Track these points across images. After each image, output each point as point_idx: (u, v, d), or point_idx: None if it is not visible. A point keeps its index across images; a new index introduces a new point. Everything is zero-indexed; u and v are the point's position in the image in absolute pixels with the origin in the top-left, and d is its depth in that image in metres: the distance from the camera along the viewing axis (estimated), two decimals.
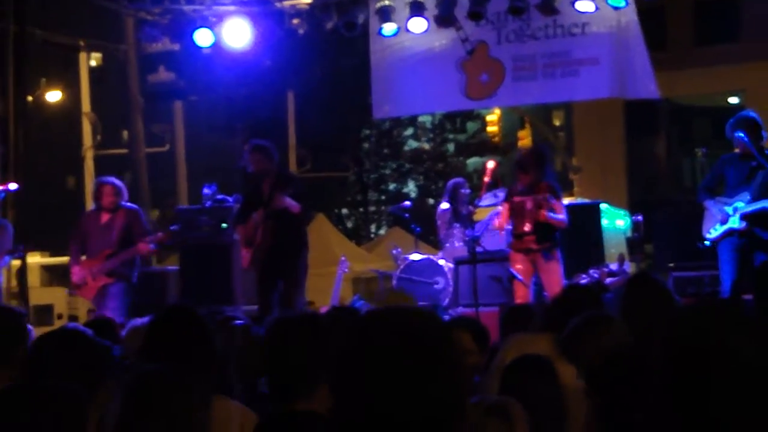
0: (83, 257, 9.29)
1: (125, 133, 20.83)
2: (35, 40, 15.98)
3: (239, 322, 4.93)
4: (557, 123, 31.43)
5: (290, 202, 8.57)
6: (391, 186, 33.92)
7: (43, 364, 3.23)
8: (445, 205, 10.92)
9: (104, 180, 9.50)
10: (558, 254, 8.74)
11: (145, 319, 5.26)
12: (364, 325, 1.97)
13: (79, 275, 9.19)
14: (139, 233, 9.21)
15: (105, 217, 9.23)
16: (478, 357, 4.13)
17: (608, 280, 9.53)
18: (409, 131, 34.26)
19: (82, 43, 19.06)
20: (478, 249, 9.10)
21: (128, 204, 9.50)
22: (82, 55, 19.64)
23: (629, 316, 3.93)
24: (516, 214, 8.74)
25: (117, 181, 9.46)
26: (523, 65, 10.99)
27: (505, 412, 2.86)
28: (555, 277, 8.64)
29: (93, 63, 20.82)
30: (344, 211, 33.46)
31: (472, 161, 34.54)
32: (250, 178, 9.06)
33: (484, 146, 33.45)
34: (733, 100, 22.33)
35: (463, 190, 10.87)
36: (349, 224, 33.23)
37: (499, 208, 9.11)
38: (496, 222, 9.13)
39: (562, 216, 8.69)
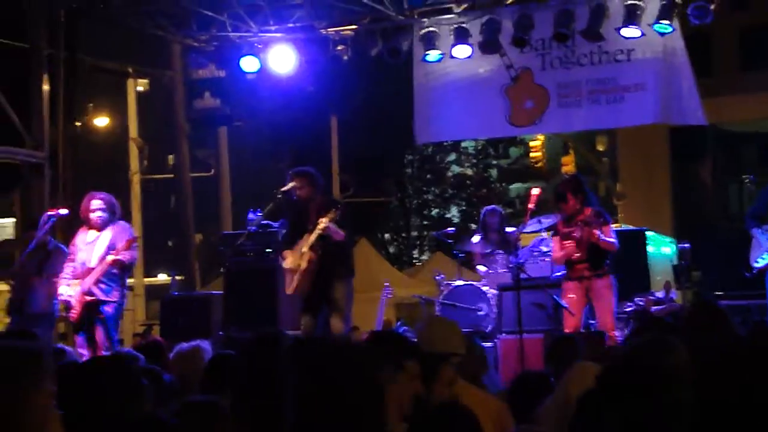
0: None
1: (171, 158, 21.04)
2: (85, 67, 16.21)
3: None
4: (601, 148, 31.28)
5: (334, 229, 8.60)
6: (434, 211, 33.92)
7: (95, 392, 3.23)
8: (476, 238, 10.92)
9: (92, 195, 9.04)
10: (612, 281, 8.60)
11: (192, 344, 5.29)
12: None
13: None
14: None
15: (93, 234, 8.88)
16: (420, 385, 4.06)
17: (654, 308, 9.44)
18: (452, 157, 34.30)
19: (130, 70, 19.32)
20: (522, 275, 9.04)
21: (119, 221, 9.09)
22: (130, 82, 19.93)
23: (691, 342, 3.89)
24: (578, 243, 8.64)
25: (106, 196, 9.05)
26: (568, 92, 10.96)
27: None
28: (607, 305, 8.52)
29: (140, 89, 21.07)
30: (386, 236, 33.49)
31: (515, 187, 34.47)
32: (296, 203, 9.09)
33: (527, 172, 33.39)
34: None
35: (493, 218, 10.82)
36: (392, 249, 33.25)
37: (545, 234, 9.06)
38: (558, 254, 8.96)
39: (612, 239, 8.59)
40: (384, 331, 4.98)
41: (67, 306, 8.85)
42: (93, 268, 8.74)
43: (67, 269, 8.93)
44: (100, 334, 8.74)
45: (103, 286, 8.78)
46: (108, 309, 8.80)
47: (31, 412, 2.77)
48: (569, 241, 8.62)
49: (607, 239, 8.55)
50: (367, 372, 3.21)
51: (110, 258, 8.68)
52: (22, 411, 2.76)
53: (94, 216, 8.86)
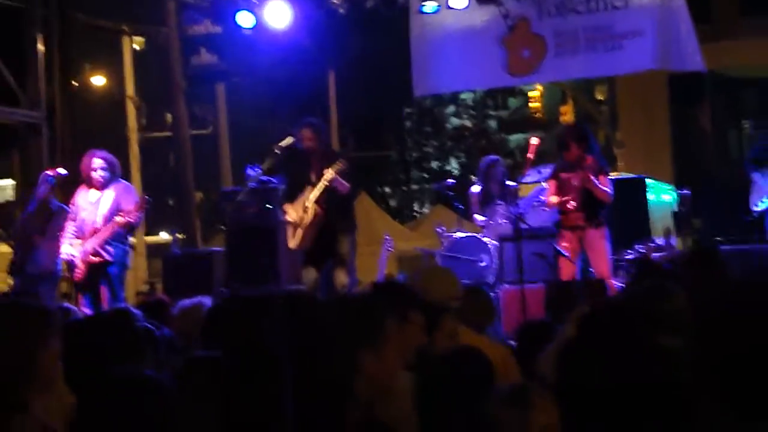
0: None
1: (169, 116, 20.97)
2: (79, 26, 16.09)
3: None
4: (600, 97, 31.14)
5: (340, 181, 8.58)
6: (434, 164, 33.90)
7: (85, 347, 3.24)
8: (476, 188, 10.91)
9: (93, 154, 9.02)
10: (605, 232, 8.69)
11: (194, 300, 5.31)
12: None
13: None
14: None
15: (95, 194, 8.89)
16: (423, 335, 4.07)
17: (654, 255, 9.46)
18: (451, 109, 34.19)
19: (124, 28, 19.19)
20: (523, 226, 9.06)
21: (121, 180, 9.14)
22: (125, 40, 19.80)
23: (689, 289, 3.92)
24: (563, 191, 8.69)
25: (107, 155, 9.04)
26: (566, 40, 10.90)
27: (524, 400, 2.79)
28: (601, 255, 8.61)
29: (136, 47, 20.93)
30: (387, 189, 33.50)
31: (515, 137, 34.41)
32: (296, 157, 9.07)
33: (526, 122, 33.33)
34: None
35: (495, 169, 10.81)
36: (392, 203, 33.27)
37: (544, 184, 9.07)
38: (548, 200, 9.04)
39: (608, 189, 8.62)
40: (386, 281, 4.99)
41: (71, 265, 8.86)
42: (98, 228, 8.75)
43: (69, 228, 8.93)
44: (105, 293, 8.77)
45: (108, 246, 8.79)
46: (113, 269, 8.83)
47: (38, 370, 2.80)
48: (568, 196, 8.64)
49: (603, 188, 8.58)
50: (363, 323, 3.25)
51: (120, 219, 8.67)
52: (29, 368, 2.78)
53: (96, 175, 8.85)
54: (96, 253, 8.76)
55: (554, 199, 8.87)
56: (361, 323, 3.26)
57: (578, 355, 2.44)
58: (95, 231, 8.78)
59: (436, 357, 2.87)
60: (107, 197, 8.88)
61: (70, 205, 9.09)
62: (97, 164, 8.88)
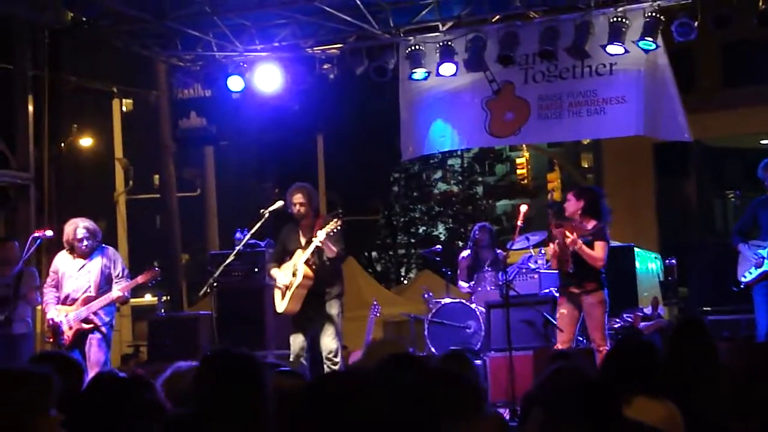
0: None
1: (157, 178, 21.00)
2: (69, 87, 16.17)
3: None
4: (586, 165, 31.37)
5: (328, 244, 8.55)
6: (421, 229, 33.95)
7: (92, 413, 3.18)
8: (465, 253, 10.93)
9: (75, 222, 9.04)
10: (602, 297, 8.52)
11: (188, 363, 5.24)
12: None
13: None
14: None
15: (80, 261, 8.91)
16: None
17: (642, 324, 9.45)
18: (438, 174, 34.36)
19: (114, 90, 19.30)
20: (511, 293, 9.04)
21: (105, 246, 9.16)
22: (115, 102, 19.90)
23: (676, 360, 3.92)
24: (561, 253, 8.61)
25: (89, 224, 9.06)
26: (549, 104, 10.98)
27: None
28: (594, 321, 8.46)
29: (125, 109, 21.04)
30: (373, 254, 33.47)
31: (501, 204, 34.54)
32: (285, 221, 9.06)
33: (512, 189, 33.48)
34: (765, 141, 22.22)
35: (480, 236, 10.86)
36: (378, 267, 33.22)
37: (533, 251, 9.05)
38: (549, 258, 8.94)
39: (596, 254, 8.49)
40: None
41: (57, 331, 8.84)
42: (92, 297, 8.80)
43: (50, 294, 8.96)
44: (94, 358, 8.75)
45: (100, 311, 8.82)
46: (103, 329, 8.84)
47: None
48: (552, 245, 8.63)
49: (587, 251, 8.45)
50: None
51: (116, 294, 8.80)
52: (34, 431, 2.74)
53: (81, 245, 8.91)
54: (88, 320, 8.80)
55: (550, 251, 8.81)
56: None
57: None
58: (88, 299, 8.83)
59: None
60: (95, 264, 8.94)
61: (50, 272, 9.11)
62: (81, 234, 8.93)
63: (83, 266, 8.92)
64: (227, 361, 3.36)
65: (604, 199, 8.95)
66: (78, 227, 8.93)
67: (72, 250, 8.98)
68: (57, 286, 8.98)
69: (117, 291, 8.82)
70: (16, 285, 9.31)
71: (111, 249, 9.23)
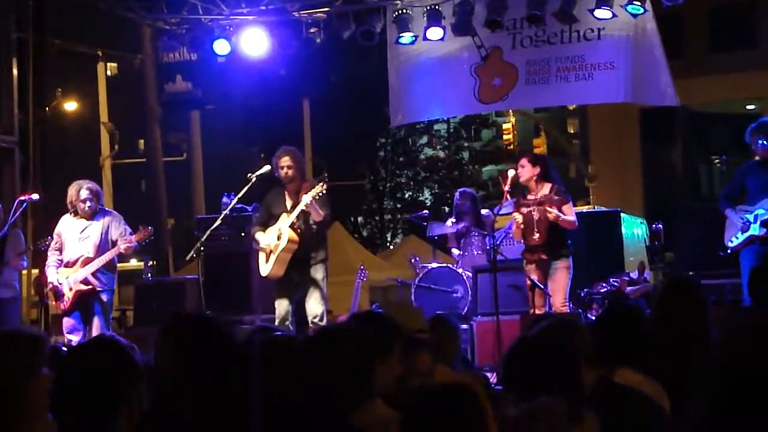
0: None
1: (142, 143, 20.91)
2: (53, 50, 16.05)
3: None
4: (572, 131, 31.38)
5: (315, 207, 8.53)
6: (407, 194, 33.97)
7: (76, 376, 3.17)
8: (449, 222, 10.95)
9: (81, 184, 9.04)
10: (568, 263, 8.58)
11: None
12: None
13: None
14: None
15: (83, 223, 8.87)
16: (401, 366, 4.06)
17: (629, 288, 9.49)
18: (424, 139, 34.32)
19: (99, 53, 19.16)
20: (498, 257, 9.06)
21: (107, 209, 9.21)
22: (100, 65, 19.75)
23: (665, 321, 3.93)
24: (527, 225, 8.67)
25: (93, 185, 9.08)
26: (537, 69, 10.94)
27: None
28: (558, 286, 8.50)
29: (110, 73, 20.90)
30: (360, 219, 33.49)
31: (488, 169, 34.57)
32: (271, 185, 9.04)
33: (498, 154, 33.49)
34: (751, 106, 22.26)
35: (461, 201, 10.89)
36: (365, 232, 33.26)
37: (517, 216, 9.04)
38: (515, 233, 9.04)
39: (571, 217, 8.56)
40: (366, 313, 4.94)
41: (57, 293, 8.84)
42: (90, 258, 8.77)
43: (52, 257, 8.96)
44: (98, 323, 8.75)
45: (99, 274, 8.81)
46: (105, 295, 8.85)
47: (28, 400, 2.75)
48: (533, 230, 8.66)
49: (566, 217, 8.53)
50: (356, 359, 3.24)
51: (124, 246, 8.73)
52: (20, 398, 2.73)
53: (85, 206, 8.88)
54: (87, 282, 8.78)
55: (518, 232, 8.89)
56: (353, 375, 3.26)
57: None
58: (87, 260, 8.81)
59: (425, 393, 2.84)
60: (96, 227, 8.92)
61: (54, 234, 9.09)
62: (84, 195, 8.91)
63: (84, 228, 8.90)
64: (190, 326, 3.37)
65: (552, 166, 9.08)
66: (82, 188, 8.93)
67: (75, 212, 8.96)
68: (60, 249, 8.97)
69: (121, 246, 8.76)
70: (1, 249, 9.29)
71: (113, 212, 9.23)
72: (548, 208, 8.47)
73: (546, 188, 8.70)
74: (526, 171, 8.79)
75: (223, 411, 3.07)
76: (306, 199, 8.42)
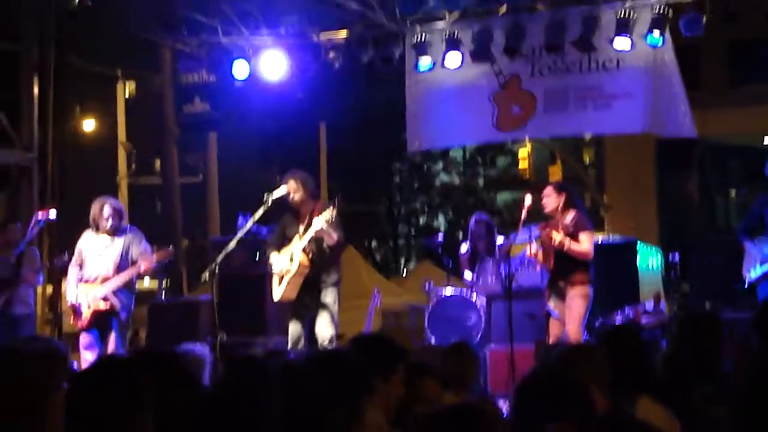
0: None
1: (159, 163, 20.99)
2: (73, 70, 16.14)
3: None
4: (588, 160, 31.32)
5: (328, 232, 8.53)
6: (421, 219, 33.95)
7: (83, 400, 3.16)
8: (464, 246, 10.95)
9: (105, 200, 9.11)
10: (585, 291, 8.50)
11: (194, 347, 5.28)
12: None
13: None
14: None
15: (105, 240, 8.93)
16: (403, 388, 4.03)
17: (644, 319, 9.43)
18: (440, 165, 34.34)
19: (119, 73, 19.28)
20: (513, 285, 9.02)
21: (129, 226, 9.25)
22: (119, 85, 19.88)
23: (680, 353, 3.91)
24: (545, 250, 8.64)
25: (116, 202, 9.21)
26: (556, 98, 10.94)
27: None
28: (573, 314, 8.42)
29: (128, 93, 21.01)
30: (373, 243, 33.47)
31: (502, 196, 34.52)
32: (286, 207, 9.05)
33: (514, 181, 33.43)
34: None
35: (475, 228, 10.87)
36: (378, 257, 33.23)
37: (535, 243, 9.01)
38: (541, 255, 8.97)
39: (581, 248, 8.45)
40: (368, 336, 4.97)
41: (75, 311, 8.85)
42: (109, 276, 8.78)
43: (72, 274, 8.96)
44: (114, 341, 8.76)
45: (120, 293, 8.82)
46: (123, 314, 8.85)
47: (47, 415, 2.75)
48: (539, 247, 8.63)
49: (575, 246, 8.43)
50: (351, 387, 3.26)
51: (143, 268, 8.79)
52: (38, 413, 2.73)
53: (107, 224, 8.90)
54: (106, 300, 8.78)
55: (531, 250, 8.86)
56: (348, 396, 3.27)
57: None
58: (107, 278, 8.81)
59: (436, 413, 2.83)
60: (117, 245, 8.94)
61: (75, 250, 9.12)
62: (107, 213, 8.94)
63: (106, 246, 8.91)
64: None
65: (576, 195, 9.07)
66: (105, 205, 8.97)
67: (97, 228, 8.97)
68: (81, 265, 8.99)
69: (142, 265, 8.80)
70: (17, 266, 9.32)
71: (134, 229, 9.24)
72: (552, 234, 8.40)
73: (569, 216, 8.65)
74: (552, 200, 8.75)
75: None
76: (317, 224, 8.43)
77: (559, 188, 8.94)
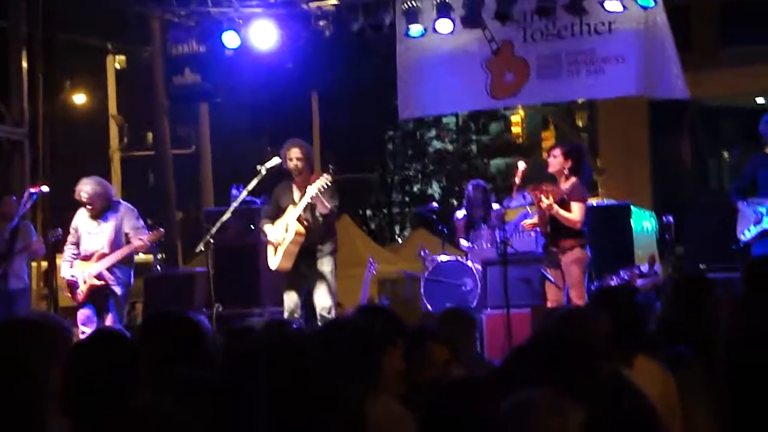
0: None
1: (151, 135, 20.90)
2: (62, 44, 16.04)
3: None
4: (581, 124, 31.26)
5: (321, 200, 8.53)
6: (415, 187, 33.94)
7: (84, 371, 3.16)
8: (460, 213, 10.94)
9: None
10: (580, 255, 8.51)
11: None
12: None
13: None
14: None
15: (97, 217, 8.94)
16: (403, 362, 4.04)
17: (639, 281, 9.46)
18: (433, 132, 34.27)
19: (108, 46, 19.15)
20: (509, 250, 9.04)
21: (120, 202, 9.24)
22: (109, 58, 19.75)
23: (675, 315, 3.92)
24: (541, 215, 8.64)
25: (100, 182, 9.15)
26: (548, 63, 10.92)
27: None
28: (572, 280, 8.44)
29: (119, 65, 20.88)
30: (368, 212, 33.47)
31: (496, 162, 34.50)
32: (280, 178, 9.04)
33: (507, 147, 33.41)
34: (760, 100, 22.16)
35: (474, 194, 10.87)
36: (373, 225, 33.24)
37: (529, 209, 9.04)
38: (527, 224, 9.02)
39: (571, 215, 8.44)
40: (373, 305, 4.96)
41: (72, 287, 8.86)
42: (105, 253, 8.78)
43: (68, 251, 8.98)
44: (111, 317, 8.78)
45: (115, 269, 8.81)
46: (118, 289, 8.84)
47: (54, 389, 2.76)
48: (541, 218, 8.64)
49: (563, 214, 8.42)
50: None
51: (137, 243, 8.79)
52: (46, 387, 2.74)
53: (88, 207, 8.94)
54: (100, 277, 8.78)
55: (527, 222, 8.87)
56: (361, 365, 3.27)
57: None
58: (102, 255, 8.82)
59: (444, 388, 2.82)
60: (109, 223, 8.95)
61: (70, 228, 9.11)
62: (84, 197, 8.97)
63: (99, 224, 8.91)
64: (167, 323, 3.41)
65: (586, 157, 8.99)
66: (81, 190, 8.94)
67: (86, 208, 8.98)
68: (77, 243, 9.01)
69: (137, 241, 8.81)
70: (12, 240, 9.32)
71: (125, 205, 9.21)
72: (542, 196, 8.38)
73: (569, 183, 8.63)
74: (557, 162, 8.71)
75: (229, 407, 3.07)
76: (311, 191, 8.43)
77: (568, 153, 8.82)
